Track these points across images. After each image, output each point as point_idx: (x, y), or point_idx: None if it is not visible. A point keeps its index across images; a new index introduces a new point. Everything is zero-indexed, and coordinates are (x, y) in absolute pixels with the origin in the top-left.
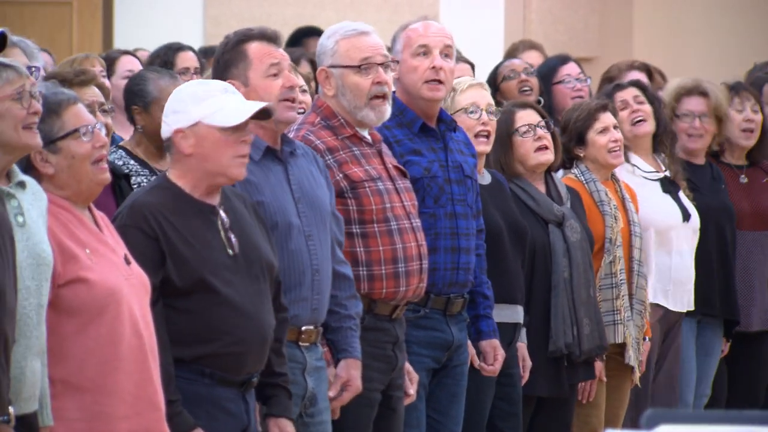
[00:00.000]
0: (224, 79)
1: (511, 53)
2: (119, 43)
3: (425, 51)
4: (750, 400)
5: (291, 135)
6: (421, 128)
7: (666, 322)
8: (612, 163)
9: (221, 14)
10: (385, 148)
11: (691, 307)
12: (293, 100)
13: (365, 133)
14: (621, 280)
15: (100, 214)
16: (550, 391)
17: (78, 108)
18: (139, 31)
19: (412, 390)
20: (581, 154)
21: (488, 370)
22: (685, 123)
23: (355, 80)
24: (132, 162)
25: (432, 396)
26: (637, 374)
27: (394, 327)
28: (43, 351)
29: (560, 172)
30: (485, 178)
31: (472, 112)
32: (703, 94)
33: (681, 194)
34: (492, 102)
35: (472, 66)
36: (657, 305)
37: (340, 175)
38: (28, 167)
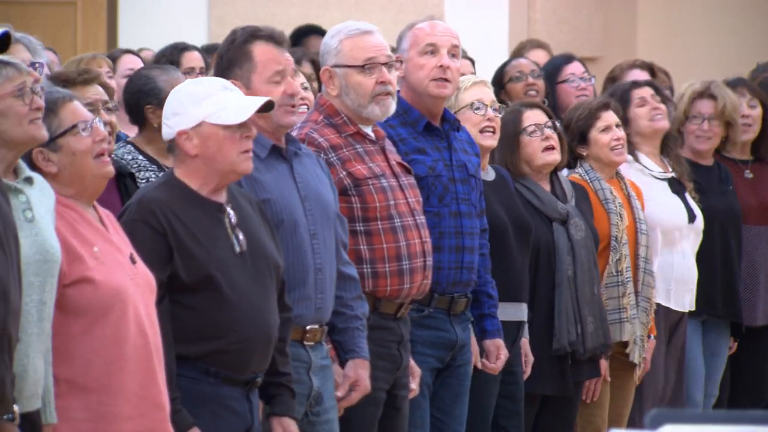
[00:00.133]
0: (227, 78)
1: (518, 52)
2: (123, 42)
3: (433, 50)
4: (755, 395)
5: (294, 133)
6: (425, 127)
7: (667, 321)
8: (615, 160)
9: (226, 14)
10: (388, 144)
11: (693, 308)
12: (293, 106)
13: (368, 130)
14: (627, 278)
15: (105, 212)
16: (555, 389)
17: (74, 105)
18: (143, 31)
19: (414, 384)
20: (584, 153)
21: (490, 368)
22: (695, 125)
23: (358, 80)
24: (140, 158)
25: (436, 396)
26: (637, 372)
27: (399, 326)
28: (47, 349)
29: (564, 171)
30: (489, 174)
31: (477, 109)
32: (713, 97)
33: (687, 195)
34: (495, 100)
35: (473, 62)
36: (658, 304)
37: (344, 173)
38: (31, 168)
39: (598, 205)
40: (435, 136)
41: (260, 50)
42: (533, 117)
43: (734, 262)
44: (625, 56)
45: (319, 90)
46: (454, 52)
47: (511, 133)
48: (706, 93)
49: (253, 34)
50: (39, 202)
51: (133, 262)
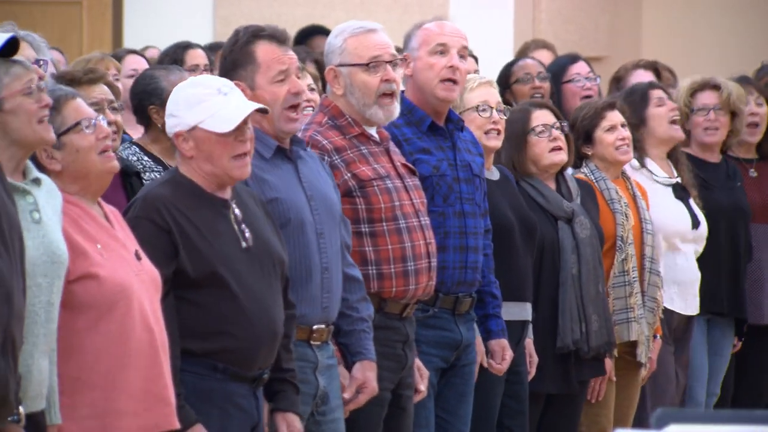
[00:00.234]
0: (231, 79)
1: (523, 52)
2: (129, 42)
3: (443, 50)
4: (755, 394)
5: (298, 135)
6: (429, 127)
7: (672, 323)
8: (620, 159)
9: (231, 14)
10: (392, 146)
11: (697, 311)
12: (298, 106)
13: (373, 132)
14: (633, 277)
15: (110, 209)
16: (559, 388)
17: (77, 102)
18: (148, 30)
19: (423, 386)
20: (589, 153)
21: (496, 369)
22: (701, 117)
23: (363, 78)
24: (146, 158)
25: (440, 395)
26: (643, 371)
27: (404, 326)
28: (52, 349)
29: (570, 171)
30: (494, 174)
31: (483, 110)
32: (716, 87)
33: (691, 201)
34: (500, 101)
35: (476, 59)
36: (663, 307)
37: (348, 175)
38: (35, 166)
39: (604, 204)
40: (439, 136)
41: (263, 50)
42: (542, 117)
43: (741, 259)
44: (631, 56)
45: (324, 90)
46: (463, 53)
47: (519, 132)
48: (708, 84)
49: (256, 34)
50: (46, 203)
51: (138, 258)
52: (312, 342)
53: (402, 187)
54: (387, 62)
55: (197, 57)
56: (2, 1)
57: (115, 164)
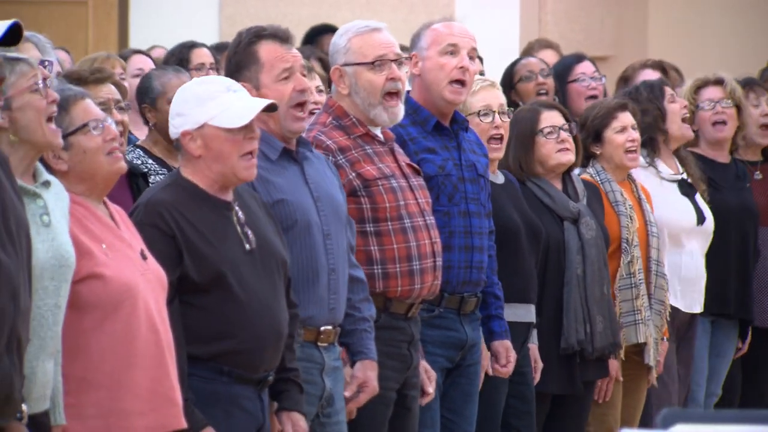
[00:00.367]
0: (237, 80)
1: (527, 52)
2: (135, 42)
3: (453, 50)
4: (761, 393)
5: (303, 135)
6: (434, 127)
7: (675, 321)
8: (627, 165)
9: (237, 13)
10: (397, 146)
11: (701, 310)
12: (304, 104)
13: (378, 132)
14: (639, 280)
15: (116, 209)
16: (562, 388)
17: (86, 103)
18: (154, 30)
19: (431, 388)
20: (597, 152)
21: (501, 372)
22: (708, 111)
23: (368, 77)
24: (150, 161)
25: (446, 395)
26: (654, 374)
27: (410, 326)
28: (57, 351)
29: (576, 171)
30: (498, 177)
31: (484, 115)
32: (719, 82)
33: (698, 197)
34: (504, 102)
35: (481, 60)
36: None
37: (353, 174)
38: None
39: (608, 207)
40: (444, 136)
41: (266, 49)
42: (551, 118)
43: (749, 260)
44: (636, 56)
45: (330, 90)
46: (472, 54)
47: (527, 132)
48: (711, 81)
49: (258, 34)
50: (55, 206)
51: (144, 258)
52: (319, 343)
53: (407, 187)
54: (392, 61)
55: (203, 56)
56: (8, 1)
57: (123, 165)
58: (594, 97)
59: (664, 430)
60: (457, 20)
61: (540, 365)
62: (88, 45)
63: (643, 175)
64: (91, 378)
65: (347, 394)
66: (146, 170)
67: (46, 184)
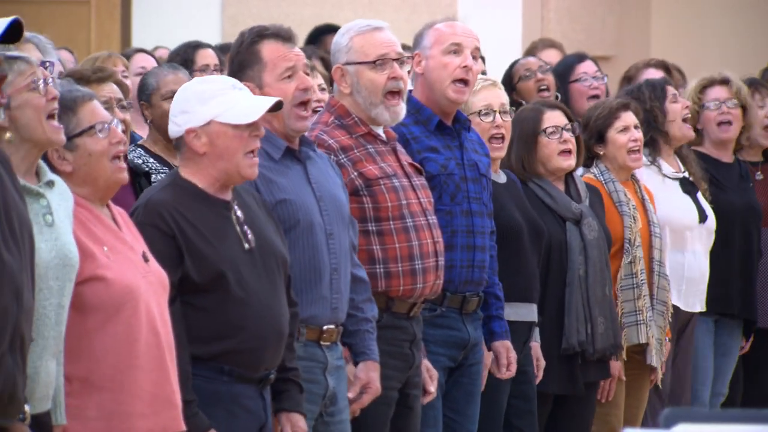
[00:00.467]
0: (239, 80)
1: (530, 52)
2: (137, 42)
3: (457, 50)
4: (757, 393)
5: (305, 134)
6: (437, 126)
7: (676, 321)
8: (630, 165)
9: (239, 13)
10: (399, 146)
11: (703, 309)
12: (308, 102)
13: (380, 131)
14: (642, 280)
15: (119, 211)
16: (563, 388)
17: (94, 105)
18: (156, 30)
19: (433, 387)
20: (600, 152)
21: (505, 376)
22: (713, 111)
23: (370, 76)
24: (151, 160)
25: (448, 395)
26: (659, 375)
27: (412, 325)
28: (60, 351)
29: (580, 170)
30: (500, 177)
31: (485, 115)
32: (725, 82)
33: (699, 196)
34: (505, 101)
35: (483, 60)
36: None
37: (355, 173)
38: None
39: (612, 206)
40: (447, 135)
41: (268, 49)
42: (554, 118)
43: (753, 260)
44: (639, 55)
45: (331, 90)
46: (476, 54)
47: (530, 132)
48: (716, 80)
49: (260, 33)
50: (59, 205)
51: (146, 260)
52: (322, 342)
53: (409, 186)
54: (394, 60)
55: (207, 57)
56: (10, 1)
57: (125, 176)
58: (596, 96)
59: (666, 429)
60: (460, 20)
61: (542, 363)
62: (91, 45)
63: (645, 174)
64: (93, 380)
65: (350, 395)
66: (147, 169)
67: (50, 183)
